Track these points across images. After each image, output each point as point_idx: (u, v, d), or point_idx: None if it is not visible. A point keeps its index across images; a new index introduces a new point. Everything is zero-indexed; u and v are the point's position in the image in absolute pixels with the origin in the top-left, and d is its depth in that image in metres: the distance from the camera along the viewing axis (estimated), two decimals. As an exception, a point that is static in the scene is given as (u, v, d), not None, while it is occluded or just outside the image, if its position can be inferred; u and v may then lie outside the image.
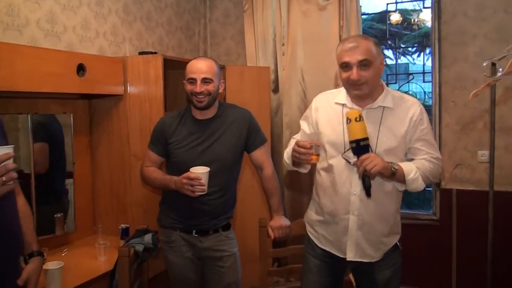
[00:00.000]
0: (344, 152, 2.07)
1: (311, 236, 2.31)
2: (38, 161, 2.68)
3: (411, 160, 2.13)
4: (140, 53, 3.14)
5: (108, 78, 2.89)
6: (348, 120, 1.95)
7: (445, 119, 3.82)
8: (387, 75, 4.48)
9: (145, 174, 2.60)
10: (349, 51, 2.01)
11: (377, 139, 2.05)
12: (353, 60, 1.99)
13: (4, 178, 1.47)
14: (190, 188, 2.28)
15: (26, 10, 2.63)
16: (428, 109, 4.14)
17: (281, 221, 2.57)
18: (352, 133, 1.94)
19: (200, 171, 2.28)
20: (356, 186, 2.07)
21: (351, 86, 2.04)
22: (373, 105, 2.09)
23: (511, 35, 3.52)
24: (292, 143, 2.25)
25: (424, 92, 4.30)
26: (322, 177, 2.21)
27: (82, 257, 2.71)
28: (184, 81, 2.51)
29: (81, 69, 2.67)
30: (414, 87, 4.45)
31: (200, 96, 2.42)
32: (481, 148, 3.69)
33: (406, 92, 4.38)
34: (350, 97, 2.12)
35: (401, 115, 2.09)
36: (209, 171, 2.31)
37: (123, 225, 2.86)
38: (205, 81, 2.42)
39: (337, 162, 2.12)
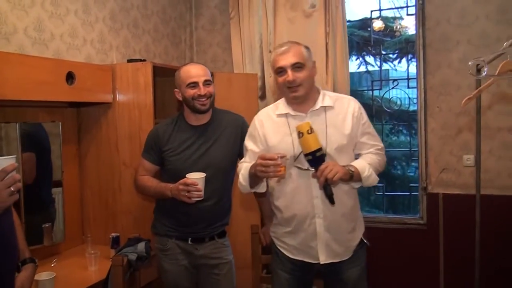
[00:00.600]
0: (295, 160, 2.11)
1: (281, 250, 2.30)
2: (25, 171, 2.64)
3: (358, 155, 2.21)
4: (129, 61, 3.12)
5: (97, 86, 2.87)
6: (300, 134, 1.97)
7: (431, 124, 3.88)
8: (372, 81, 4.52)
9: (139, 183, 2.58)
10: (282, 54, 2.10)
11: (326, 139, 2.09)
12: (287, 63, 2.08)
13: (12, 188, 1.47)
14: (186, 194, 2.27)
15: (14, 18, 2.60)
16: (413, 114, 4.23)
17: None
18: (306, 146, 1.97)
19: (196, 177, 2.28)
20: (316, 189, 2.10)
21: (288, 89, 2.11)
22: (315, 107, 2.15)
23: (493, 40, 3.59)
24: (244, 166, 2.25)
25: (409, 98, 4.35)
26: (278, 191, 2.23)
27: (72, 267, 2.67)
28: (176, 90, 2.52)
29: (70, 77, 2.65)
30: (397, 93, 4.49)
31: (203, 99, 2.44)
32: (467, 152, 3.76)
33: (390, 99, 4.47)
34: (290, 104, 2.18)
35: (342, 112, 2.18)
36: (205, 176, 2.31)
37: (113, 234, 2.82)
38: (206, 83, 2.46)
39: (291, 171, 2.14)
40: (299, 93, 2.10)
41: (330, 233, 2.16)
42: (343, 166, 2.01)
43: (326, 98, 2.18)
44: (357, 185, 2.15)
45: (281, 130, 2.18)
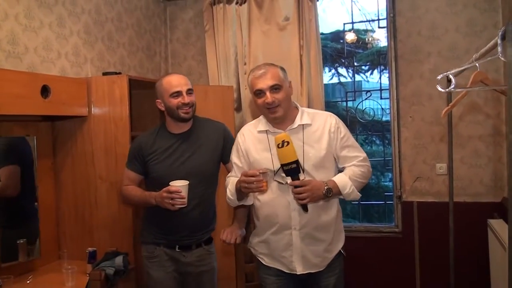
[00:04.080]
0: (274, 175, 2.19)
1: (258, 257, 2.38)
2: (10, 184, 2.61)
3: (342, 168, 2.28)
4: (104, 74, 3.11)
5: (72, 99, 2.85)
6: (278, 145, 2.05)
7: (404, 134, 3.96)
8: (346, 92, 4.59)
9: (124, 193, 2.60)
10: (260, 77, 2.20)
11: (303, 156, 2.17)
12: (265, 86, 2.17)
13: None
14: (170, 201, 2.28)
15: (-13, 32, 2.57)
16: (386, 124, 4.30)
17: (236, 228, 2.58)
18: (282, 157, 2.05)
19: (180, 184, 2.30)
20: (294, 202, 2.16)
21: (267, 110, 2.20)
22: (293, 125, 2.24)
23: (462, 52, 3.72)
24: (231, 181, 2.33)
25: (382, 108, 4.43)
26: (260, 202, 2.29)
27: (49, 284, 2.62)
28: (158, 100, 2.54)
29: (45, 90, 2.63)
30: (370, 103, 4.56)
31: (187, 108, 2.47)
32: (439, 161, 3.85)
33: (363, 110, 4.54)
34: (270, 123, 2.27)
35: (320, 129, 2.26)
36: (188, 183, 2.33)
37: (90, 249, 2.78)
38: (189, 92, 2.49)
39: (271, 185, 2.22)
40: (278, 114, 2.19)
41: (306, 245, 2.22)
42: (323, 183, 2.10)
43: (304, 115, 2.27)
44: (340, 197, 2.23)
45: (261, 146, 2.27)
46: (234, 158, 2.40)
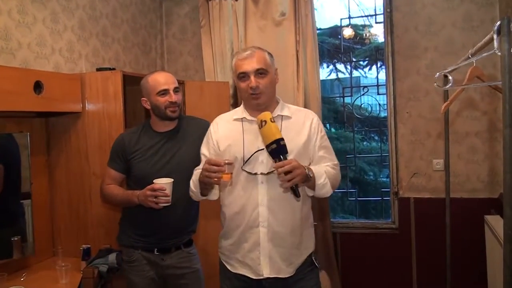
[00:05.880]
0: (244, 164, 2.06)
1: (224, 263, 2.22)
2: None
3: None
4: (98, 70, 3.09)
5: (66, 95, 2.83)
6: (263, 123, 1.90)
7: (401, 130, 3.95)
8: (343, 88, 4.58)
9: (105, 192, 2.55)
10: (245, 60, 2.06)
11: None
12: (250, 68, 2.04)
13: None
14: (154, 199, 2.25)
15: (-21, 27, 2.55)
16: (383, 120, 4.29)
17: None
18: (270, 134, 1.89)
19: (164, 182, 2.27)
20: (264, 196, 2.05)
21: (250, 95, 2.06)
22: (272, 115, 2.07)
23: (459, 47, 3.71)
24: (195, 173, 2.20)
25: (379, 104, 4.41)
26: (227, 198, 2.17)
27: (43, 281, 2.60)
28: (144, 98, 2.52)
29: (38, 86, 2.60)
30: (367, 99, 4.55)
31: (174, 106, 2.45)
32: (436, 157, 3.85)
33: (360, 105, 4.53)
34: (249, 110, 2.14)
35: (299, 123, 2.14)
36: (173, 181, 2.29)
37: (84, 246, 2.76)
38: (176, 90, 2.47)
39: (240, 176, 2.09)
40: (261, 100, 2.06)
41: (273, 245, 2.06)
42: (304, 167, 1.92)
43: (284, 108, 2.16)
44: (310, 192, 2.08)
45: (234, 133, 2.14)
46: (203, 149, 2.26)
